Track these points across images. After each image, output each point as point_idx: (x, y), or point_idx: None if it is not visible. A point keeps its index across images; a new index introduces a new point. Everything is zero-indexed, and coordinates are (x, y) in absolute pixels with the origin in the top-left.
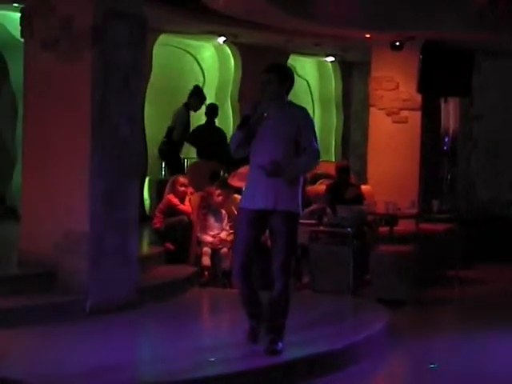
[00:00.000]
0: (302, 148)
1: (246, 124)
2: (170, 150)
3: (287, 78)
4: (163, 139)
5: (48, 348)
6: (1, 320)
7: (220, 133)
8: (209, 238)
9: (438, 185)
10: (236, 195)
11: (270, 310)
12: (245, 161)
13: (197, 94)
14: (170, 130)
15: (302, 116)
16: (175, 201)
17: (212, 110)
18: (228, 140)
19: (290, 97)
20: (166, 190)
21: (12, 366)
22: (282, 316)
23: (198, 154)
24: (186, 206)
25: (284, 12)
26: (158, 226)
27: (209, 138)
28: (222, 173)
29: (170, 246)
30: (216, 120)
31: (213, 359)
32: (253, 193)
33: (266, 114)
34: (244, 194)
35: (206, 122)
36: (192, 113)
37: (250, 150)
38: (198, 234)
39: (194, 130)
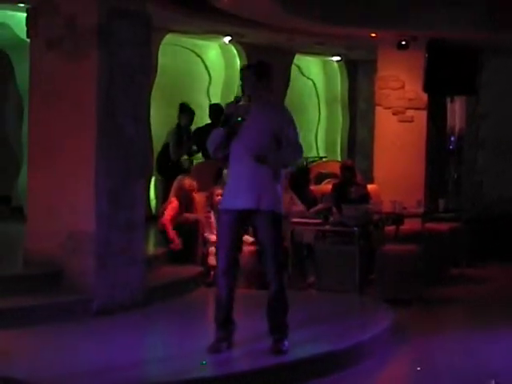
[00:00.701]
0: (284, 144)
1: (228, 123)
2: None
3: (264, 74)
4: (158, 157)
5: (53, 348)
6: (6, 319)
7: None
8: (215, 238)
9: (444, 184)
10: None
11: (270, 310)
12: None
13: (183, 111)
14: (165, 146)
15: (282, 113)
16: (169, 215)
17: (215, 111)
18: None
19: (296, 96)
20: (172, 191)
21: (17, 365)
22: (282, 314)
23: (202, 153)
24: (192, 215)
25: (288, 11)
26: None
27: None
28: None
29: (174, 245)
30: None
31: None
32: (234, 193)
33: (242, 112)
34: (224, 194)
35: (211, 122)
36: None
37: (229, 149)
38: (205, 234)
39: (197, 129)
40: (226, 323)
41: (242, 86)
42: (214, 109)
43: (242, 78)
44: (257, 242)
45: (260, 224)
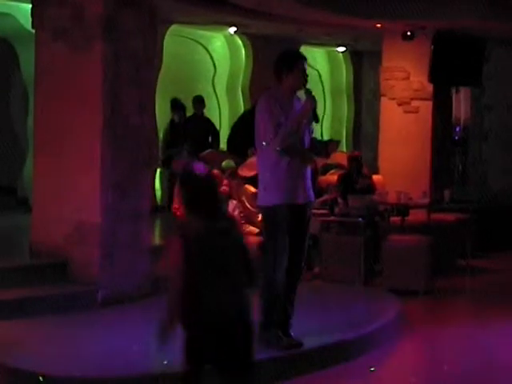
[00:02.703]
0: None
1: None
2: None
3: None
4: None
5: (60, 338)
6: (13, 310)
7: (208, 124)
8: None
9: (450, 174)
10: (247, 186)
11: (290, 300)
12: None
13: (175, 107)
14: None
15: None
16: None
17: (194, 102)
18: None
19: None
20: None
21: (24, 355)
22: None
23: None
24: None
25: (294, 1)
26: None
27: (196, 129)
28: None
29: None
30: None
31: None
32: (293, 187)
33: None
34: (278, 189)
35: (193, 114)
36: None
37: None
38: None
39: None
40: (283, 318)
41: (306, 78)
42: (193, 101)
43: (303, 70)
44: (295, 232)
45: (306, 215)
